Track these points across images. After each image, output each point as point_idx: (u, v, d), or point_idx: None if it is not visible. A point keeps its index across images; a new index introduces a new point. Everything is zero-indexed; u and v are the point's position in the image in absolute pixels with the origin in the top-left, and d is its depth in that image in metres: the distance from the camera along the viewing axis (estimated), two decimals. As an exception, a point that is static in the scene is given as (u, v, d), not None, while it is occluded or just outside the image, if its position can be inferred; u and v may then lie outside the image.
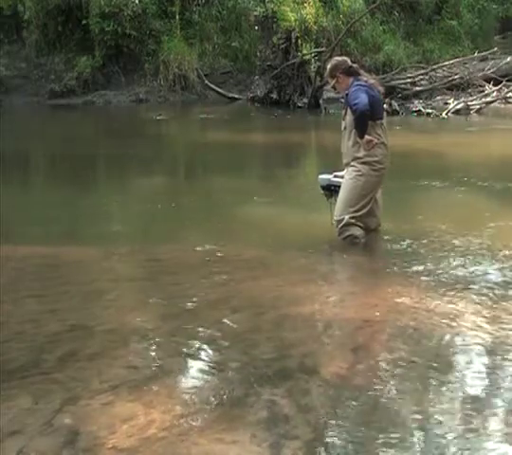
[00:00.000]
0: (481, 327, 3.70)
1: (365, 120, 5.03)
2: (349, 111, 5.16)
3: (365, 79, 5.23)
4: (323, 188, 5.50)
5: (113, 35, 16.91)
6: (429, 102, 15.15)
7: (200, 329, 3.74)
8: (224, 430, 2.68)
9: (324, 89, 14.94)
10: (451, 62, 16.78)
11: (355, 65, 5.29)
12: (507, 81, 15.92)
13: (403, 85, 15.60)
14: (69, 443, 2.60)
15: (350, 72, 5.21)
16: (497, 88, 15.61)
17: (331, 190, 5.42)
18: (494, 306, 3.99)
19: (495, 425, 2.76)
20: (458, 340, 3.58)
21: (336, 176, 5.41)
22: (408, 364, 3.28)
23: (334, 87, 5.49)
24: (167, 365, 3.30)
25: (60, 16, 17.34)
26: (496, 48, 17.41)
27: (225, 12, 18.33)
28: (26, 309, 4.02)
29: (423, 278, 4.58)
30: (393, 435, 2.68)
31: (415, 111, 14.41)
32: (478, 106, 14.73)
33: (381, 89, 5.40)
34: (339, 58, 5.54)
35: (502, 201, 6.90)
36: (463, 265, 4.80)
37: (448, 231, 5.63)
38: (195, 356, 3.41)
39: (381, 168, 5.18)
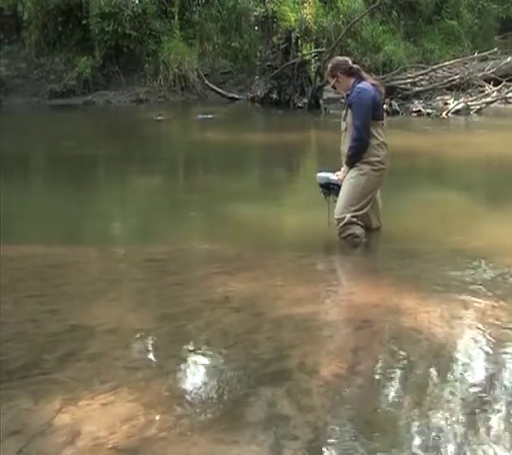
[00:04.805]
0: (481, 327, 3.70)
1: (362, 153, 5.08)
2: (349, 112, 5.17)
3: (369, 82, 5.21)
4: (322, 186, 5.48)
5: (113, 35, 16.90)
6: (429, 102, 15.14)
7: (200, 329, 3.74)
8: (224, 430, 2.68)
9: (324, 89, 14.94)
10: (451, 62, 16.77)
11: (355, 66, 5.28)
12: (507, 81, 15.92)
13: (403, 85, 15.60)
14: (69, 443, 2.60)
15: (351, 72, 5.21)
16: (497, 88, 15.61)
17: (329, 188, 5.41)
18: (494, 306, 3.99)
19: (496, 425, 2.76)
20: (458, 341, 3.58)
21: (337, 175, 5.40)
22: (408, 364, 3.28)
23: (334, 87, 5.50)
24: (167, 365, 3.30)
25: (60, 16, 17.33)
26: (496, 48, 17.40)
27: (225, 12, 18.32)
28: (26, 309, 4.02)
29: (423, 278, 4.58)
30: (393, 436, 2.68)
31: (415, 111, 14.41)
32: (478, 106, 14.73)
33: (382, 90, 5.41)
34: (340, 58, 5.54)
35: (503, 202, 6.90)
36: (463, 266, 4.80)
37: (448, 232, 5.64)
38: (195, 356, 3.41)
39: (382, 168, 5.18)
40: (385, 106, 6.36)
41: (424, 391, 3.04)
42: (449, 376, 3.18)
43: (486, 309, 3.95)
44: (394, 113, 13.90)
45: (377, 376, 3.19)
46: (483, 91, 15.74)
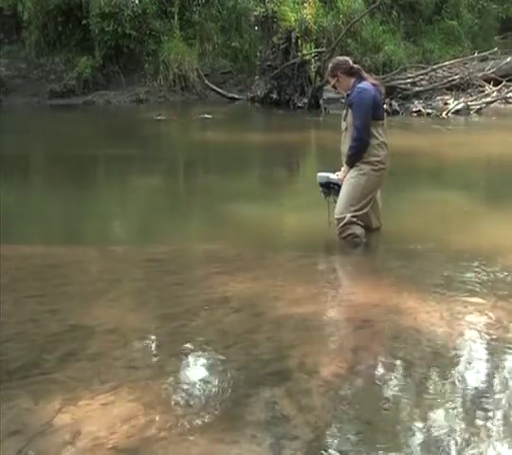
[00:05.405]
0: (481, 327, 3.70)
1: (362, 153, 5.08)
2: (350, 111, 5.17)
3: (370, 81, 5.21)
4: (322, 185, 5.47)
5: (113, 35, 16.90)
6: (429, 102, 15.15)
7: (200, 329, 3.74)
8: (224, 430, 2.68)
9: (324, 89, 14.94)
10: (451, 62, 16.78)
11: (356, 66, 5.28)
12: (507, 81, 15.92)
13: (403, 85, 15.61)
14: (69, 443, 2.60)
15: (351, 72, 5.21)
16: (497, 88, 15.62)
17: (329, 187, 5.40)
18: (494, 306, 3.99)
19: (496, 425, 2.76)
20: (458, 340, 3.58)
21: (337, 175, 5.39)
22: (408, 364, 3.29)
23: (334, 87, 5.50)
24: (167, 365, 3.30)
25: (60, 16, 17.33)
26: (496, 48, 17.41)
27: (225, 12, 18.32)
28: (26, 309, 4.02)
29: (423, 278, 4.58)
30: (393, 436, 2.68)
31: (415, 111, 14.42)
32: (478, 106, 14.74)
33: (382, 90, 5.42)
34: (341, 57, 5.54)
35: (503, 202, 6.90)
36: (463, 266, 4.80)
37: (448, 232, 5.64)
38: (195, 356, 3.41)
39: (382, 168, 5.18)
40: (385, 106, 6.36)
41: (424, 390, 3.04)
42: (450, 376, 3.18)
43: (486, 309, 3.95)
44: (394, 113, 13.91)
45: (377, 376, 3.19)
46: (483, 91, 15.75)
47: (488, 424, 2.77)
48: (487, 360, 3.37)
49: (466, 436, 2.67)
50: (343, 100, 5.71)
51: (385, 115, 5.36)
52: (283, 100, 15.63)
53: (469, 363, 3.34)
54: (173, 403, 2.90)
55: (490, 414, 2.84)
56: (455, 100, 15.01)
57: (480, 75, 16.23)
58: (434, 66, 16.49)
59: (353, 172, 5.16)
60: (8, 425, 2.72)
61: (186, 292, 4.33)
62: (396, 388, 3.08)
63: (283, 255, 5.20)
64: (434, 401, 2.94)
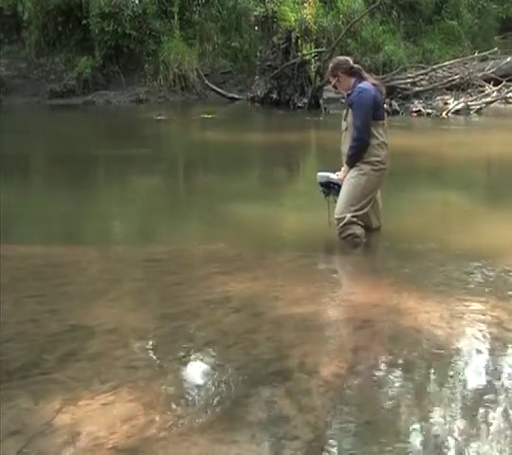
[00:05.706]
0: (481, 327, 3.70)
1: (362, 152, 5.08)
2: (350, 111, 5.17)
3: (370, 81, 5.21)
4: (322, 185, 5.47)
5: (113, 35, 16.91)
6: (429, 102, 15.16)
7: (200, 329, 3.74)
8: (224, 430, 2.68)
9: (324, 89, 14.94)
10: (451, 62, 16.79)
11: (356, 66, 5.28)
12: (507, 81, 15.93)
13: (403, 85, 15.61)
14: (69, 443, 2.60)
15: (352, 72, 5.21)
16: (497, 88, 15.62)
17: (329, 187, 5.40)
18: (494, 306, 3.99)
19: (497, 425, 2.76)
20: (458, 341, 3.58)
21: (337, 175, 5.39)
22: (408, 364, 3.29)
23: (334, 86, 5.50)
24: (167, 365, 3.30)
25: (60, 16, 17.34)
26: (496, 48, 17.41)
27: (225, 12, 18.33)
28: (26, 309, 4.02)
29: (423, 278, 4.58)
30: (393, 436, 2.68)
31: (415, 111, 14.42)
32: (478, 106, 14.74)
33: (383, 90, 5.42)
34: (341, 57, 5.55)
35: (503, 202, 6.90)
36: (463, 266, 4.80)
37: (448, 232, 5.63)
38: (195, 356, 3.41)
39: (382, 168, 5.18)
40: (385, 106, 6.35)
41: (424, 390, 3.04)
42: (449, 376, 3.18)
43: (486, 309, 3.95)
44: (394, 113, 13.91)
45: (377, 376, 3.19)
46: (483, 91, 15.75)
47: (488, 424, 2.76)
48: (487, 360, 3.37)
49: (466, 436, 2.67)
50: (343, 100, 5.71)
51: (385, 115, 5.36)
52: (283, 100, 15.63)
53: (469, 363, 3.34)
54: (173, 403, 2.90)
55: (490, 414, 2.84)
56: (455, 100, 15.02)
57: (480, 75, 16.24)
58: (434, 66, 16.50)
59: (353, 172, 5.16)
60: (8, 425, 2.72)
61: (186, 292, 4.33)
62: (396, 388, 3.08)
63: (283, 255, 5.20)
64: (434, 401, 2.94)
